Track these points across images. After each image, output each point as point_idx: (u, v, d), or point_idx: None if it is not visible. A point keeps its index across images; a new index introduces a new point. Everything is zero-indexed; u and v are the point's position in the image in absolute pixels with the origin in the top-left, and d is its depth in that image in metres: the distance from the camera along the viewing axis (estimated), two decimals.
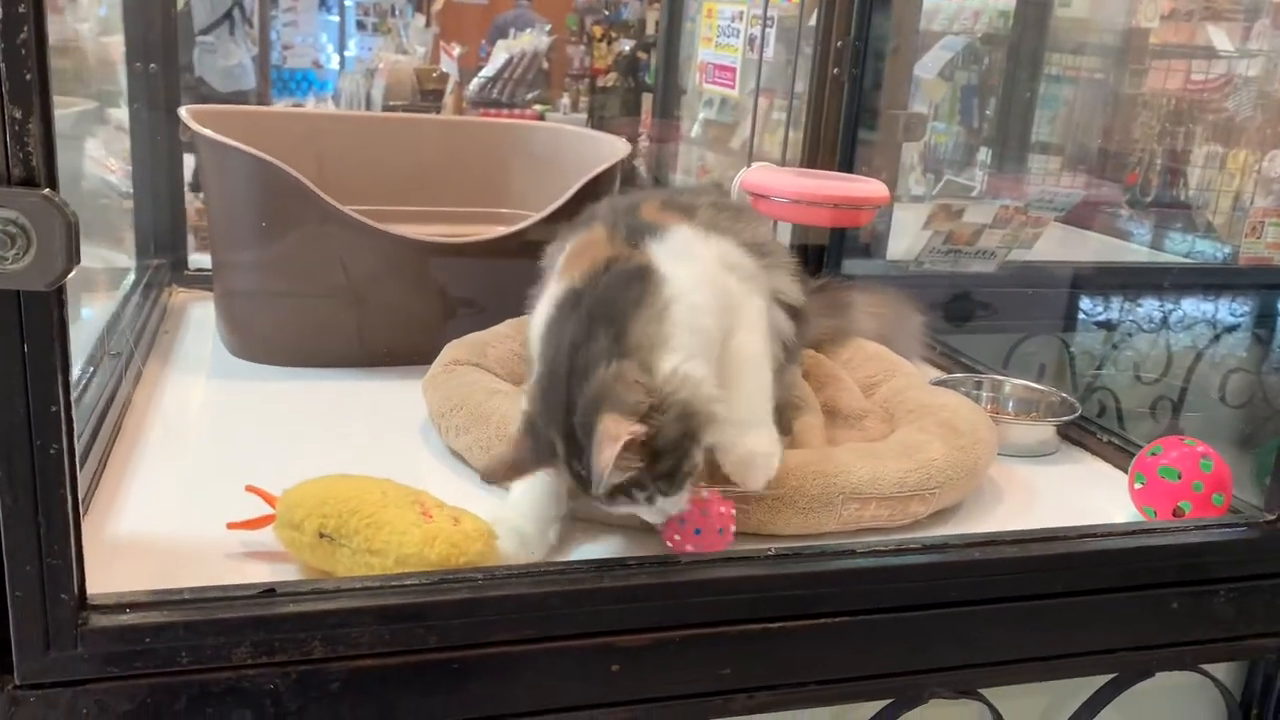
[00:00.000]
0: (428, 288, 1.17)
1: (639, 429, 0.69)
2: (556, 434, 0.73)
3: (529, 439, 0.75)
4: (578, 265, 0.81)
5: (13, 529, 0.56)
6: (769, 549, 0.76)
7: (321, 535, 0.71)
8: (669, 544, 0.77)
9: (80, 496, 0.78)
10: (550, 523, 0.80)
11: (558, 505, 0.81)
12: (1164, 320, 2.05)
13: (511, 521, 0.78)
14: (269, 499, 0.76)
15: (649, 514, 0.75)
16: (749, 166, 1.43)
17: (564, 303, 0.78)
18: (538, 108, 4.67)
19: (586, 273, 0.79)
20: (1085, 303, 2.01)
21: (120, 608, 0.61)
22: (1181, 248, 2.58)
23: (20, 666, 0.59)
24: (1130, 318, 2.08)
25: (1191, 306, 2.08)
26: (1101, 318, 2.03)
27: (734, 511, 0.78)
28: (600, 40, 6.02)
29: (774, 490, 0.81)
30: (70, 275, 0.52)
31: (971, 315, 1.84)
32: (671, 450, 0.71)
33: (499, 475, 0.78)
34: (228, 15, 5.05)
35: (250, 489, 0.77)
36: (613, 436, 0.67)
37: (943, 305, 1.81)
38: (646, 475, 0.72)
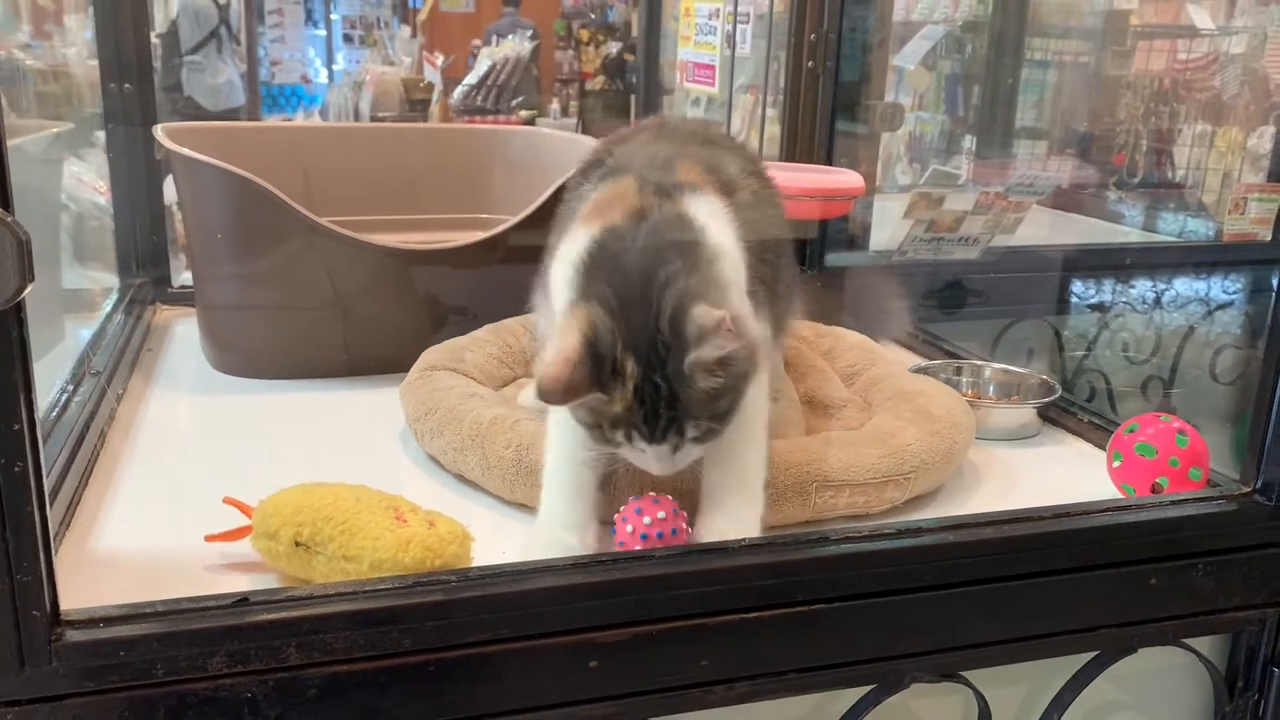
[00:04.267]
0: (408, 295, 1.18)
1: (727, 317, 0.70)
2: (627, 353, 0.72)
3: (588, 362, 0.72)
4: (610, 212, 0.80)
5: None
6: (741, 539, 0.76)
7: (297, 544, 0.72)
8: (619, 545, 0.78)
9: (58, 513, 0.80)
10: (587, 524, 0.80)
11: (590, 505, 0.81)
12: (1154, 300, 2.05)
13: (552, 534, 0.79)
14: (245, 510, 0.77)
15: (664, 458, 0.75)
16: None
17: (606, 240, 0.78)
18: (524, 114, 4.68)
19: (628, 215, 0.79)
20: (1071, 285, 2.01)
21: (94, 622, 0.61)
22: (1173, 228, 2.58)
23: None
24: (1120, 299, 2.08)
25: (1181, 286, 2.08)
26: (1089, 300, 2.03)
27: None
28: (587, 44, 6.03)
29: None
30: (25, 293, 0.53)
31: (959, 303, 1.84)
32: (729, 390, 0.73)
33: (557, 397, 0.73)
34: (214, 34, 5.07)
35: (228, 500, 0.78)
36: (714, 318, 0.69)
37: (928, 293, 1.81)
38: (704, 408, 0.73)
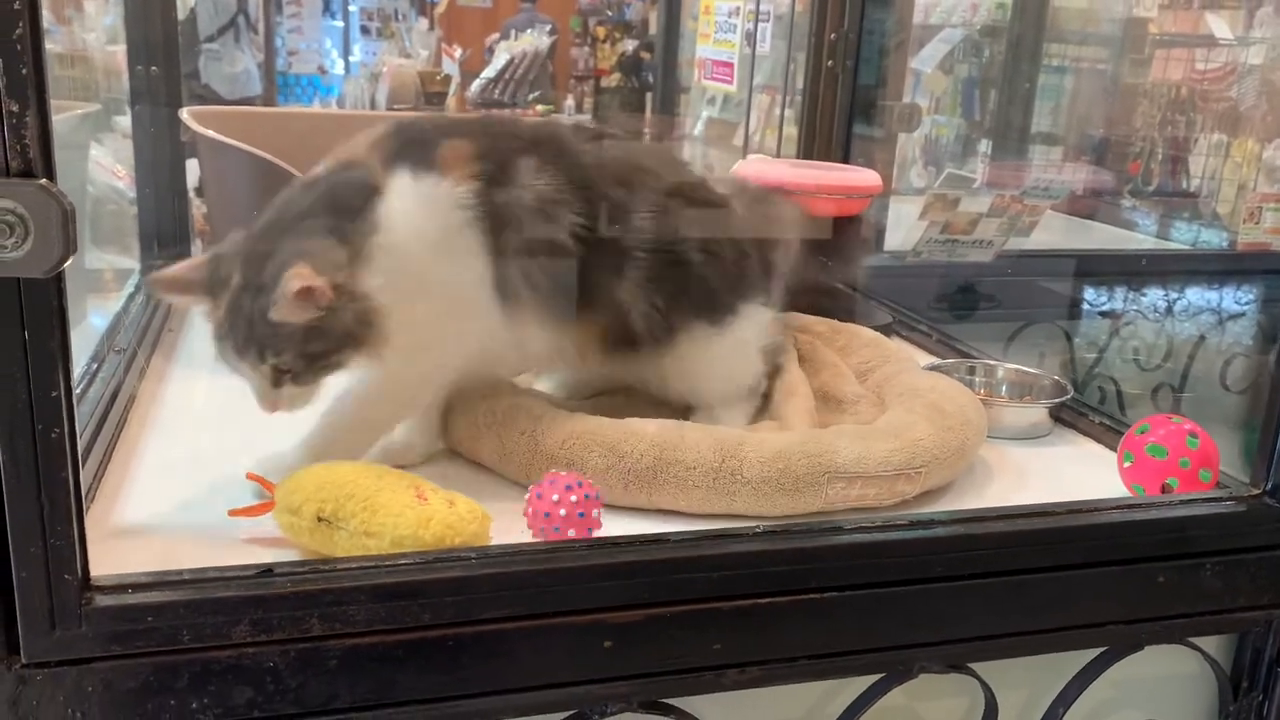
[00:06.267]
0: None
1: (325, 285, 0.76)
2: (238, 268, 0.80)
3: (207, 265, 0.81)
4: (335, 156, 0.87)
5: (17, 511, 0.58)
6: (757, 526, 0.77)
7: (320, 519, 0.73)
8: (530, 528, 0.78)
9: (86, 484, 0.81)
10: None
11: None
12: (1167, 308, 2.06)
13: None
14: (268, 486, 0.78)
15: (266, 393, 0.82)
16: (744, 159, 1.44)
17: (306, 182, 0.86)
18: (540, 109, 4.69)
19: (338, 163, 0.86)
20: (1084, 291, 2.02)
21: (123, 588, 0.63)
22: (1187, 236, 2.58)
23: (27, 646, 0.61)
24: (1132, 306, 2.09)
25: (1194, 294, 2.08)
26: (1101, 305, 2.04)
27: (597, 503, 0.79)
28: (604, 41, 6.04)
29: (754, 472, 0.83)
30: (68, 263, 0.54)
31: (972, 305, 1.85)
32: (330, 339, 0.79)
33: (162, 285, 0.84)
34: (232, 22, 5.08)
35: (251, 476, 0.79)
36: (294, 285, 0.75)
37: (942, 294, 1.82)
38: (288, 344, 0.79)
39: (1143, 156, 2.81)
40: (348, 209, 0.82)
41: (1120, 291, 2.11)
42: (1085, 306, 2.05)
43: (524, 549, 0.73)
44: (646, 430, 0.86)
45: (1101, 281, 2.05)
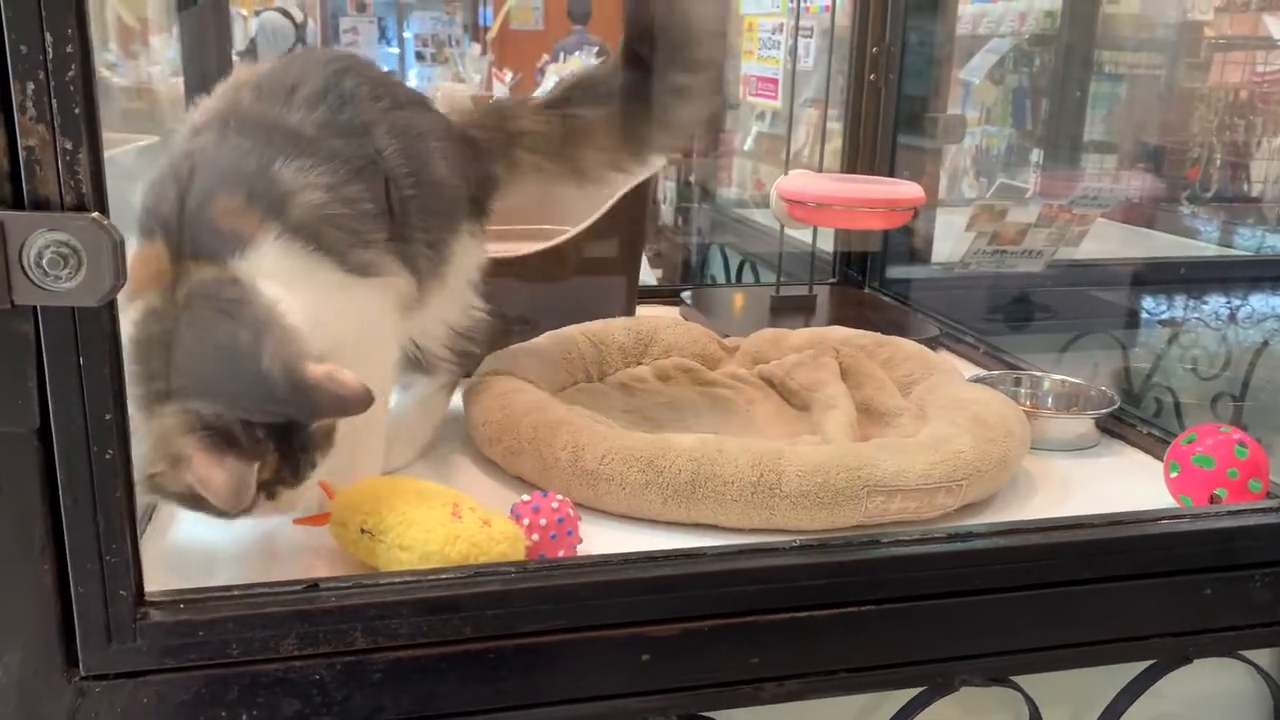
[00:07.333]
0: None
1: None
2: None
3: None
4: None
5: (74, 529, 0.60)
6: (794, 540, 0.77)
7: (363, 531, 0.75)
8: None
9: (144, 505, 0.84)
10: None
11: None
12: (1229, 316, 2.02)
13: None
14: (331, 494, 0.80)
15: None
16: (785, 174, 1.45)
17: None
18: None
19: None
20: (1139, 299, 1.99)
21: (175, 603, 0.65)
22: (1251, 243, 2.53)
23: (85, 659, 0.63)
24: (1191, 314, 2.05)
25: (1259, 301, 2.04)
26: (1157, 314, 2.00)
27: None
28: None
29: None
30: (119, 291, 0.56)
31: (1023, 316, 1.83)
32: None
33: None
34: (290, 51, 5.21)
35: (322, 484, 0.81)
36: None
37: (991, 306, 1.80)
38: None
39: (1201, 162, 2.77)
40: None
41: (1178, 299, 2.08)
42: (1143, 315, 2.02)
43: (562, 563, 0.75)
44: (684, 445, 0.87)
45: (1159, 290, 2.02)
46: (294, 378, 0.70)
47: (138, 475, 0.68)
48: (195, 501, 0.72)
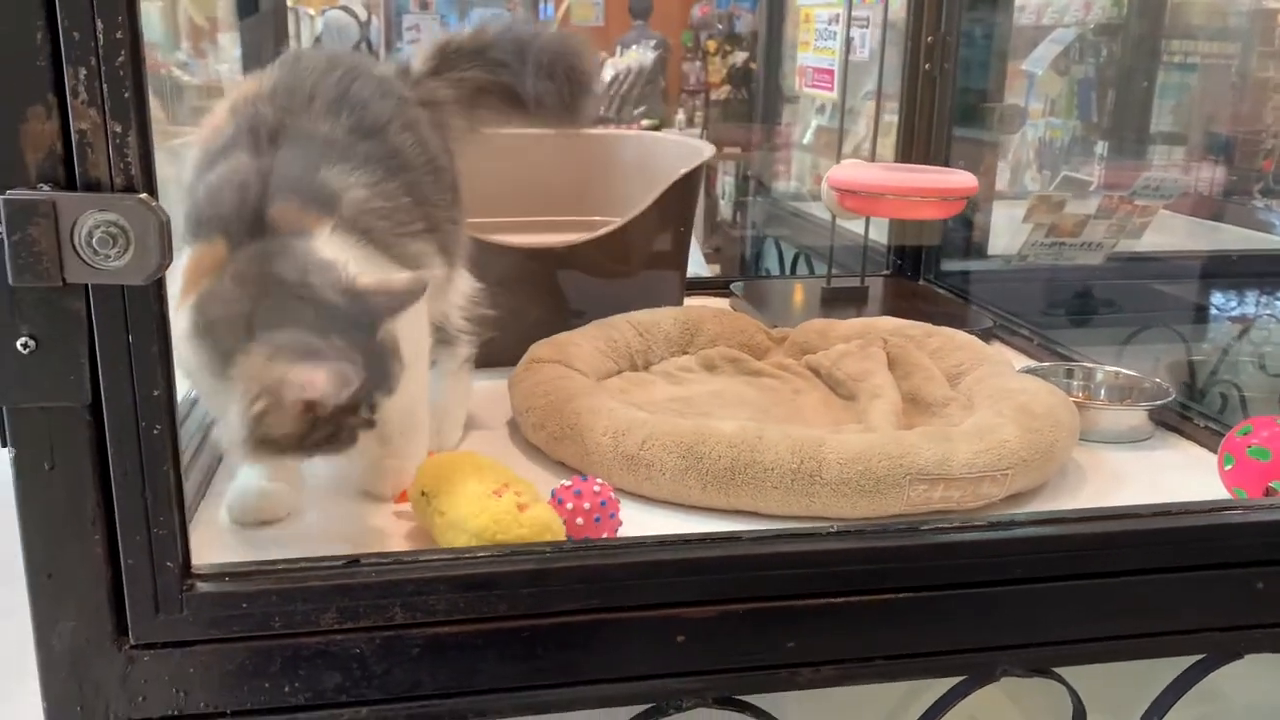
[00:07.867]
0: (525, 291, 1.22)
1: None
2: None
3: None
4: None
5: (124, 502, 0.63)
6: (832, 526, 0.77)
7: (423, 494, 0.80)
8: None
9: (198, 482, 0.87)
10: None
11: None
12: None
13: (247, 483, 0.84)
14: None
15: None
16: (838, 164, 1.44)
17: None
18: (645, 123, 4.73)
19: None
20: (1204, 293, 1.94)
21: (220, 575, 0.67)
22: None
23: (134, 628, 0.65)
24: (1261, 309, 2.00)
25: None
26: (1222, 308, 1.95)
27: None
28: (715, 54, 6.05)
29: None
30: (165, 270, 0.58)
31: (1083, 309, 1.80)
32: None
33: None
34: (355, 49, 5.29)
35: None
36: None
37: (1056, 299, 1.78)
38: None
39: (1275, 154, 2.69)
40: None
41: (1246, 294, 2.02)
42: (1212, 310, 1.97)
43: (597, 544, 0.75)
44: (724, 431, 0.87)
45: (1223, 283, 1.97)
46: (352, 288, 0.75)
47: (237, 438, 0.73)
48: (301, 439, 0.74)
